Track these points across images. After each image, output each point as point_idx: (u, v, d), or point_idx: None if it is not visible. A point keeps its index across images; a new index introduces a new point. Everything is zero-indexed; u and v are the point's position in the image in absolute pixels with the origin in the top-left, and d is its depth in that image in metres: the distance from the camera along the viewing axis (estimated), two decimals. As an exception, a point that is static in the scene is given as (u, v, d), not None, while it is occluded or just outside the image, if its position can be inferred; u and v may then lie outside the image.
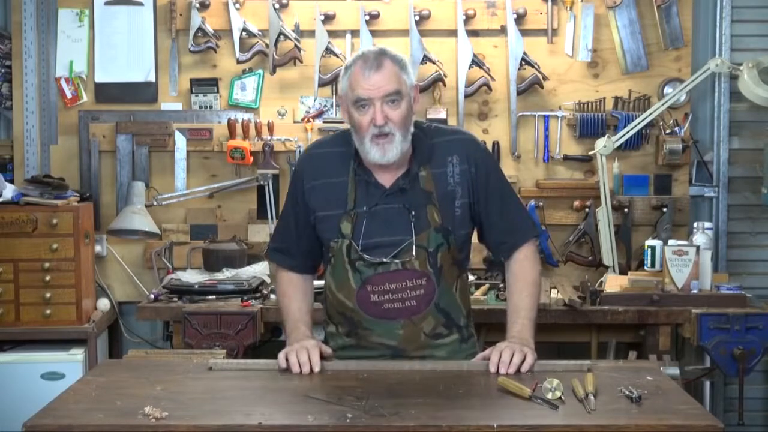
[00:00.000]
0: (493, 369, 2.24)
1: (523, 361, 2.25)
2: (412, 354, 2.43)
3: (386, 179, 2.41)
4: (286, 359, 2.28)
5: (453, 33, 3.97)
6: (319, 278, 2.64)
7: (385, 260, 2.37)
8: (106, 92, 4.05)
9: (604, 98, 3.99)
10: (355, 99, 2.32)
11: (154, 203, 3.91)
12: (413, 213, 2.38)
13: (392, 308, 2.40)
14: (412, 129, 2.39)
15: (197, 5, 3.95)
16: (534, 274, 2.49)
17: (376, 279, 2.39)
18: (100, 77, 4.04)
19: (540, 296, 2.53)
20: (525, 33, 3.95)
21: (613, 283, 3.63)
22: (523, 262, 2.49)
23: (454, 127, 2.69)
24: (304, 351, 2.28)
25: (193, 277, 3.76)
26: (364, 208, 2.39)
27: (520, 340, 2.35)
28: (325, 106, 4.03)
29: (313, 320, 2.54)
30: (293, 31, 3.95)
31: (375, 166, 2.40)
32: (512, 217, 2.49)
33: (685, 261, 3.50)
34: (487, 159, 2.50)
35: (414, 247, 2.37)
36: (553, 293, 3.59)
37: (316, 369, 2.26)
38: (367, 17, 3.94)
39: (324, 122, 4.01)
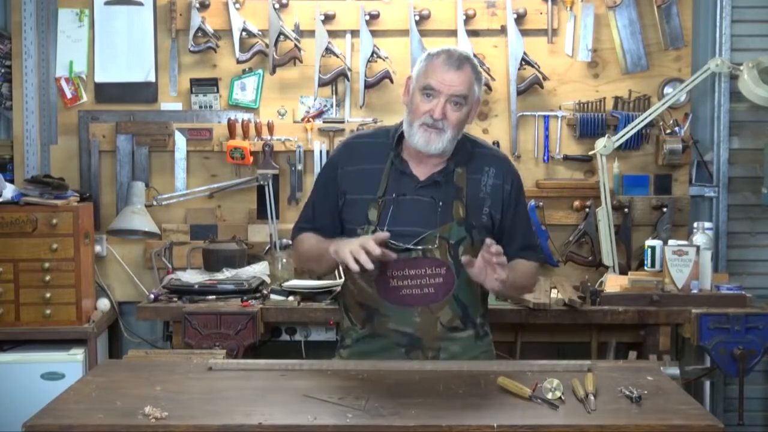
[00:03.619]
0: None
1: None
2: (428, 345, 2.45)
3: (422, 172, 2.47)
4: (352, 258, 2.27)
5: (453, 33, 3.97)
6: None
7: (408, 246, 2.42)
8: (106, 92, 4.05)
9: (604, 98, 3.99)
10: (425, 86, 2.40)
11: (154, 203, 3.91)
12: (440, 204, 2.44)
13: (410, 294, 2.44)
14: (460, 136, 2.47)
15: (197, 5, 3.95)
16: (532, 271, 2.58)
17: (396, 264, 2.42)
18: (100, 77, 4.04)
19: (522, 290, 2.61)
20: (525, 33, 3.95)
21: (613, 283, 3.63)
22: (527, 264, 2.57)
23: (492, 145, 2.86)
24: (361, 252, 2.25)
25: (193, 277, 3.76)
26: (394, 195, 2.44)
27: None
28: (325, 106, 4.03)
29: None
30: (293, 31, 3.95)
31: (413, 158, 2.47)
32: (529, 240, 2.60)
33: (685, 261, 3.50)
34: (519, 182, 2.59)
35: (437, 237, 2.42)
36: (553, 293, 3.58)
37: (377, 252, 2.24)
38: (367, 17, 3.94)
39: (324, 122, 4.01)
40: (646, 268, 3.68)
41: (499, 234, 2.51)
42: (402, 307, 2.44)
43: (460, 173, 2.47)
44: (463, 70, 2.39)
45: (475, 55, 3.88)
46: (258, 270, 3.81)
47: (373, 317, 2.47)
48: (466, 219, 2.45)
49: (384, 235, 2.33)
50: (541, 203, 3.96)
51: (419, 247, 2.42)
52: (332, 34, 3.95)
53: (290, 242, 2.96)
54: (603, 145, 3.78)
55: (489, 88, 3.97)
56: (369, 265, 2.24)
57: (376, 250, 2.24)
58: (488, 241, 2.27)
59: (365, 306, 2.48)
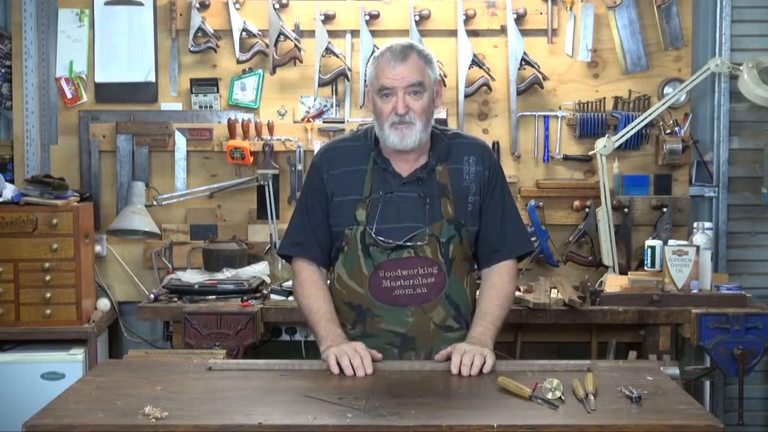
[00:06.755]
0: (455, 371, 2.25)
1: (483, 364, 2.26)
2: (421, 345, 2.45)
3: (404, 169, 2.48)
4: (337, 363, 2.26)
5: (453, 33, 3.97)
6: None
7: (398, 243, 2.42)
8: (106, 92, 4.05)
9: (604, 98, 3.99)
10: (380, 87, 2.41)
11: (154, 203, 3.91)
12: (428, 201, 2.44)
13: (403, 295, 2.44)
14: (432, 122, 2.48)
15: (197, 5, 3.95)
16: (510, 289, 2.55)
17: (388, 265, 2.43)
18: (100, 77, 4.04)
19: (508, 312, 2.54)
20: (525, 33, 3.95)
21: (613, 283, 3.63)
22: (504, 275, 2.54)
23: (471, 134, 2.86)
24: (357, 356, 2.27)
25: (193, 277, 3.76)
26: (380, 193, 2.45)
27: (479, 341, 2.35)
28: (325, 106, 4.03)
29: None
30: (293, 31, 3.95)
31: (393, 155, 2.47)
32: (509, 229, 2.55)
33: (685, 261, 3.50)
34: (498, 170, 2.58)
35: (426, 235, 2.42)
36: (553, 293, 3.59)
37: (370, 371, 2.25)
38: (367, 17, 3.94)
39: (324, 122, 4.01)
40: (646, 268, 3.68)
41: (481, 220, 2.51)
42: (394, 307, 2.44)
43: (441, 170, 2.47)
44: (410, 60, 2.39)
45: (475, 55, 3.93)
46: (258, 270, 3.81)
47: (365, 317, 2.47)
48: (455, 217, 2.46)
49: (378, 356, 2.33)
50: (541, 203, 3.96)
51: (409, 244, 2.42)
52: (332, 34, 3.95)
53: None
54: (603, 145, 3.78)
55: (489, 88, 3.97)
56: (360, 372, 2.24)
57: (369, 369, 2.25)
58: (453, 370, 2.26)
59: (355, 306, 2.48)
